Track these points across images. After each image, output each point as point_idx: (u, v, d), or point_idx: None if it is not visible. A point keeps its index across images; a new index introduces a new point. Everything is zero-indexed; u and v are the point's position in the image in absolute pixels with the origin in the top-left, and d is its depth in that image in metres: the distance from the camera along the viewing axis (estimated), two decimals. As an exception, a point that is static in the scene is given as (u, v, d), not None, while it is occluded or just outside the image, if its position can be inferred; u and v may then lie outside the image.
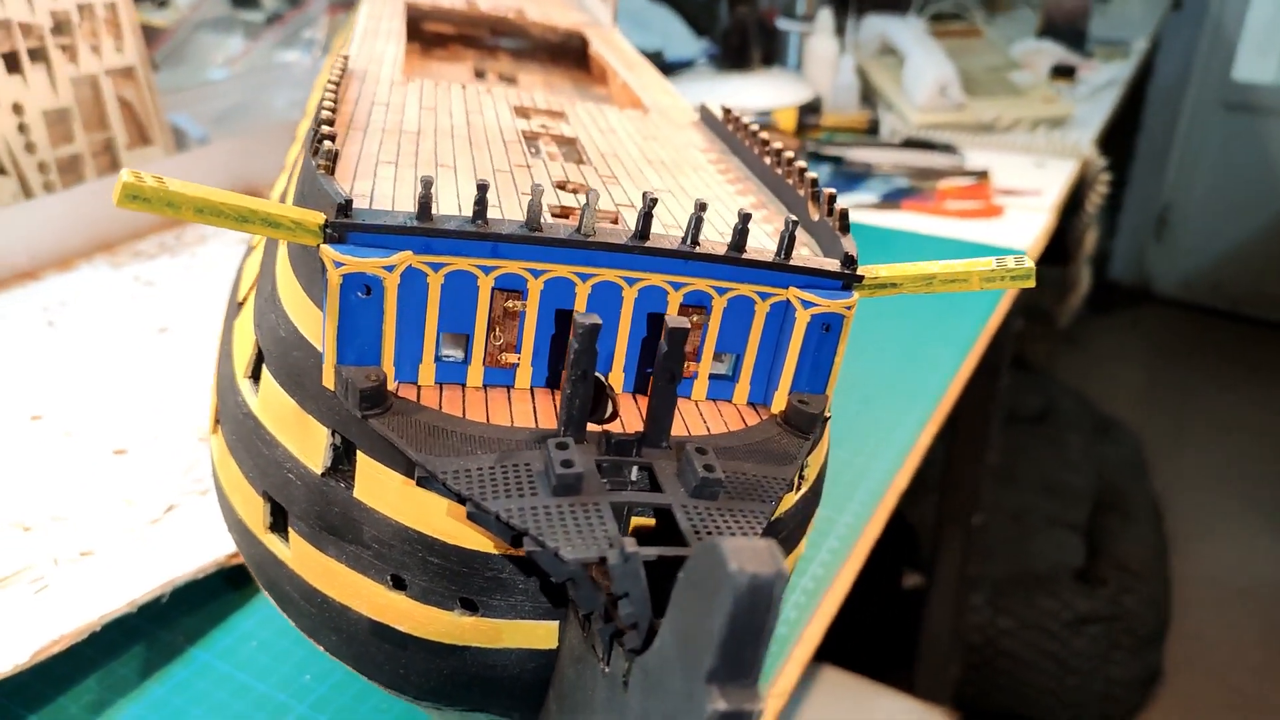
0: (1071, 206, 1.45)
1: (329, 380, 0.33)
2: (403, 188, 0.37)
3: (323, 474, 0.34)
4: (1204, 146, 3.20)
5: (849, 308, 0.36)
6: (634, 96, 0.66)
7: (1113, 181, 1.48)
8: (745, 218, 0.35)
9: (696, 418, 0.35)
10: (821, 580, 0.63)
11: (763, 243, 0.39)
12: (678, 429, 0.34)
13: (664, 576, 0.24)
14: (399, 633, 0.34)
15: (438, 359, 0.34)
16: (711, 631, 0.20)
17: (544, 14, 0.87)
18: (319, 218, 0.31)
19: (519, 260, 0.33)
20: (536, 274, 0.33)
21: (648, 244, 0.34)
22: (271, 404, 0.36)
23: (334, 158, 0.34)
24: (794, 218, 0.35)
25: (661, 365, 0.31)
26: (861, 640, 1.74)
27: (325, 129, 0.36)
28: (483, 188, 0.32)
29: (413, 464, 0.31)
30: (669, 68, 1.64)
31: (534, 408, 0.34)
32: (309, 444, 0.34)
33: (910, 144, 1.41)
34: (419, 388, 0.34)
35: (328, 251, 0.31)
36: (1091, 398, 2.50)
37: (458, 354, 0.35)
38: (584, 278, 0.34)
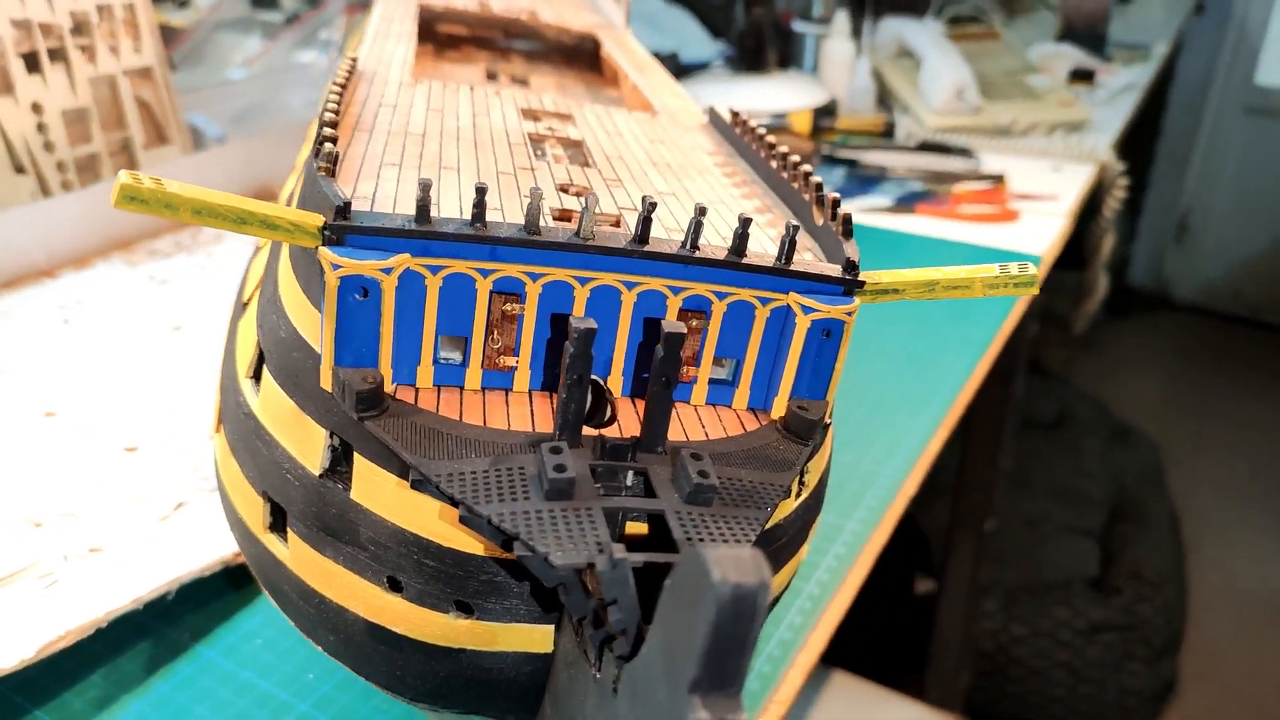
0: (1089, 211, 1.44)
1: (326, 382, 0.33)
2: (405, 189, 0.37)
3: (320, 475, 0.34)
4: (1226, 151, 3.17)
5: (850, 313, 0.36)
6: (644, 99, 0.66)
7: (1132, 186, 1.47)
8: (745, 222, 0.34)
9: (695, 423, 0.35)
10: (827, 586, 0.63)
11: (765, 247, 0.38)
12: (676, 434, 0.34)
13: (654, 583, 0.24)
14: (395, 634, 0.34)
15: (436, 361, 0.34)
16: (695, 641, 0.20)
17: (557, 16, 0.87)
18: (317, 220, 0.31)
19: (517, 263, 0.33)
20: (535, 277, 0.33)
21: (647, 248, 0.34)
22: (271, 404, 0.36)
23: (335, 160, 0.34)
24: (795, 222, 0.35)
25: (658, 370, 0.30)
26: (872, 645, 1.73)
27: (327, 131, 0.36)
28: (480, 190, 0.32)
29: (408, 466, 0.31)
30: (684, 70, 1.64)
31: (531, 411, 0.34)
32: (307, 445, 0.34)
33: (926, 147, 1.40)
34: (417, 390, 0.34)
35: (325, 254, 0.31)
36: (1109, 404, 2.48)
37: (456, 357, 0.35)
38: (583, 281, 0.34)
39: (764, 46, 1.54)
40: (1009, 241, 1.15)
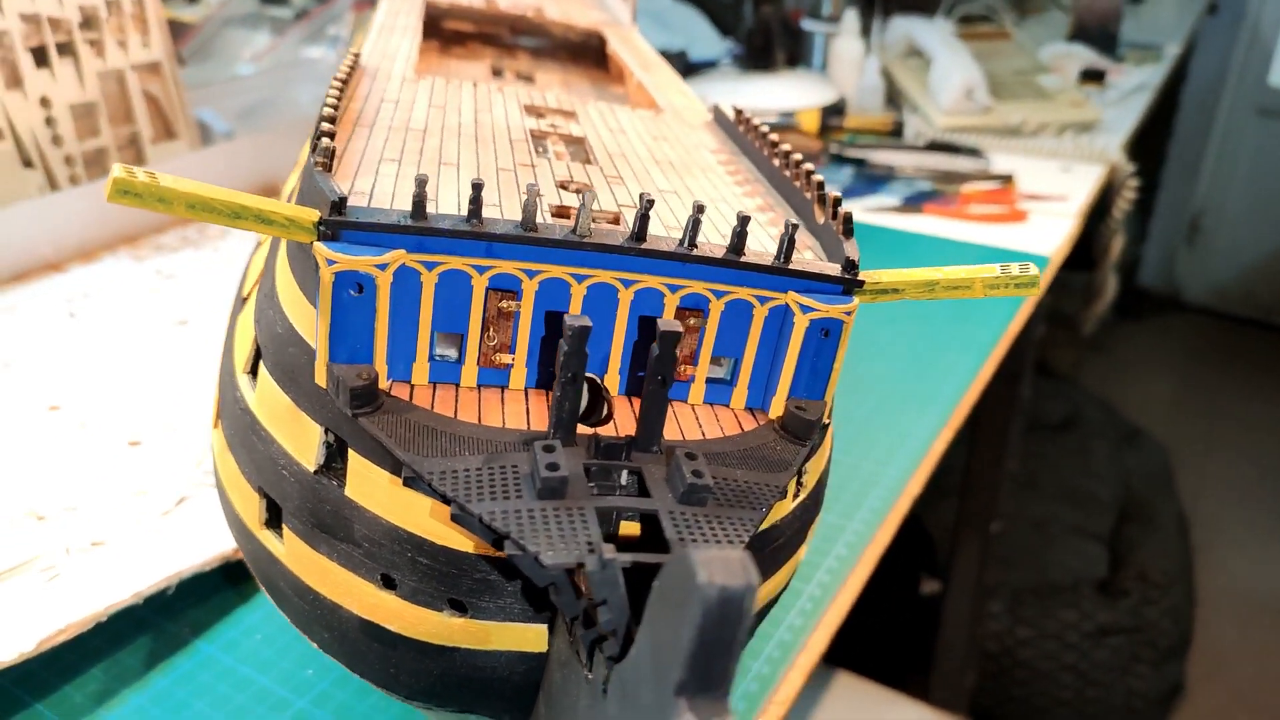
0: (1098, 212, 1.43)
1: (321, 378, 0.33)
2: (403, 185, 0.37)
3: (315, 471, 0.34)
4: (1238, 152, 3.15)
5: (849, 313, 0.35)
6: (649, 96, 0.66)
7: (1143, 187, 1.46)
8: (744, 220, 0.34)
9: (692, 422, 0.35)
10: (828, 588, 0.63)
11: (766, 246, 0.38)
12: (673, 433, 0.34)
13: (646, 583, 0.24)
14: (389, 632, 0.34)
15: (431, 358, 0.34)
16: (681, 643, 0.19)
17: (564, 13, 0.87)
18: (313, 215, 0.31)
19: (513, 260, 0.33)
20: (531, 274, 0.33)
21: (644, 245, 0.33)
22: (267, 400, 0.36)
23: (332, 155, 0.34)
24: (794, 221, 0.35)
25: (653, 368, 0.30)
26: (877, 646, 1.72)
27: (325, 126, 0.36)
28: (477, 187, 0.32)
29: (401, 463, 0.31)
30: (693, 68, 1.64)
31: (527, 409, 0.34)
32: (303, 441, 0.34)
33: (934, 147, 1.39)
34: (412, 387, 0.34)
35: (320, 249, 0.31)
36: (1118, 406, 2.47)
37: (452, 354, 0.34)
38: (579, 279, 0.33)
39: (772, 45, 1.54)
40: (1017, 242, 1.15)
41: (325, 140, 0.34)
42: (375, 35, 0.64)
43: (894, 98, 1.60)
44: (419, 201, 0.32)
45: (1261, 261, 3.22)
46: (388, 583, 0.33)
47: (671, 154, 0.51)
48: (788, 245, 0.35)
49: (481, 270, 0.33)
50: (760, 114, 1.41)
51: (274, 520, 0.36)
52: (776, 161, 0.48)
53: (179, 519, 0.60)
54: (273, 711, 0.51)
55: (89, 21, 1.00)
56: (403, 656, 0.34)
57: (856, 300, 0.36)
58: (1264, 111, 3.07)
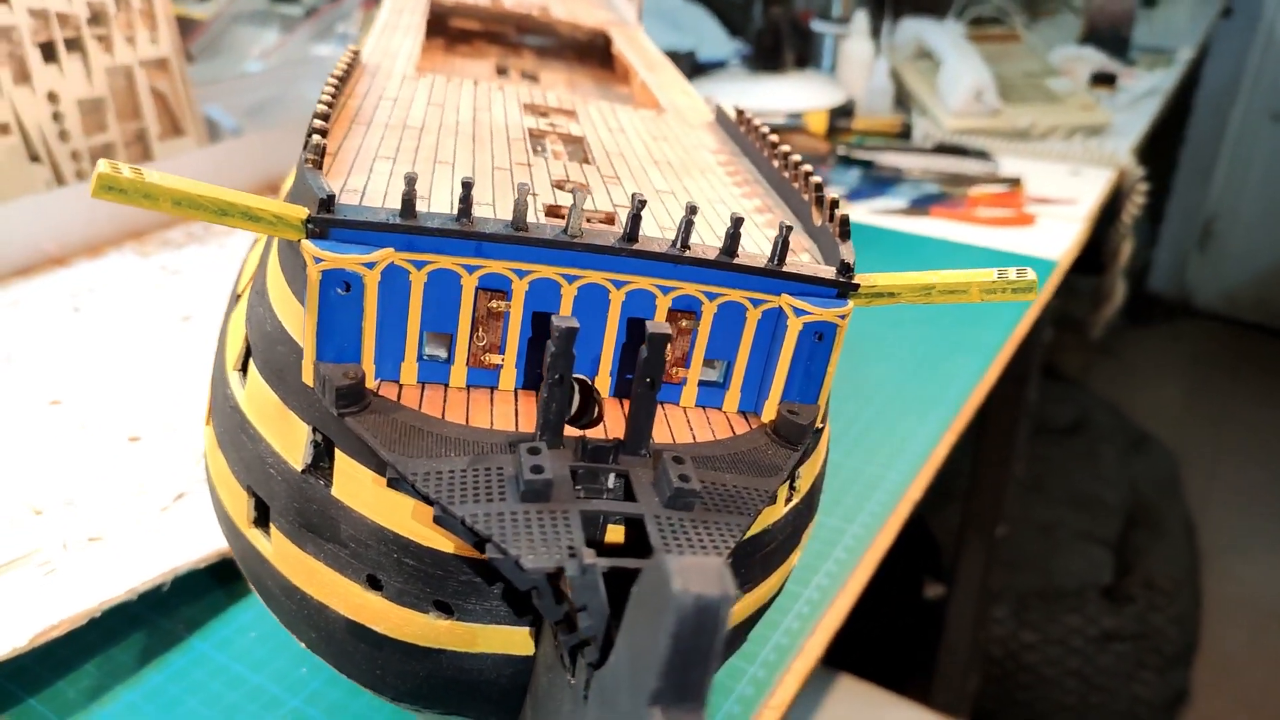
0: (1108, 216, 1.42)
1: (309, 376, 0.33)
2: (397, 183, 0.37)
3: (303, 471, 0.33)
4: (1251, 157, 3.13)
5: (843, 316, 0.35)
6: (652, 96, 0.66)
7: (1154, 192, 1.45)
8: (737, 221, 0.34)
9: (683, 425, 0.35)
10: (827, 591, 0.62)
11: (761, 247, 0.38)
12: (663, 436, 0.34)
13: (628, 589, 0.24)
14: (375, 633, 0.33)
15: (420, 358, 0.34)
16: (656, 652, 0.19)
17: (569, 12, 0.87)
18: (301, 212, 0.31)
19: (503, 260, 0.32)
20: (521, 274, 0.33)
21: (635, 246, 0.33)
22: (256, 398, 0.36)
23: (322, 152, 0.34)
24: (788, 223, 0.34)
25: (642, 371, 0.30)
26: (880, 649, 1.72)
27: (317, 124, 0.36)
28: (467, 185, 0.31)
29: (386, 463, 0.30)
30: (701, 68, 1.63)
31: (516, 410, 0.33)
32: (290, 440, 0.34)
33: (943, 149, 1.39)
34: (400, 386, 0.34)
35: (308, 247, 0.30)
36: (1127, 411, 2.46)
37: (441, 353, 0.34)
38: (570, 279, 0.33)
39: (781, 46, 1.53)
40: (1025, 245, 1.14)
41: (316, 138, 0.34)
42: (378, 33, 0.64)
43: (903, 100, 1.59)
44: (408, 200, 0.31)
45: (1274, 267, 3.20)
46: (373, 583, 0.33)
47: (671, 154, 0.51)
48: (782, 247, 0.35)
49: (471, 270, 0.32)
50: (768, 115, 1.41)
51: (262, 519, 0.36)
52: (776, 163, 0.48)
53: (177, 515, 0.60)
54: (265, 710, 0.50)
55: (97, 17, 1.01)
56: (389, 658, 0.34)
57: (851, 304, 0.35)
58: (1278, 117, 3.05)
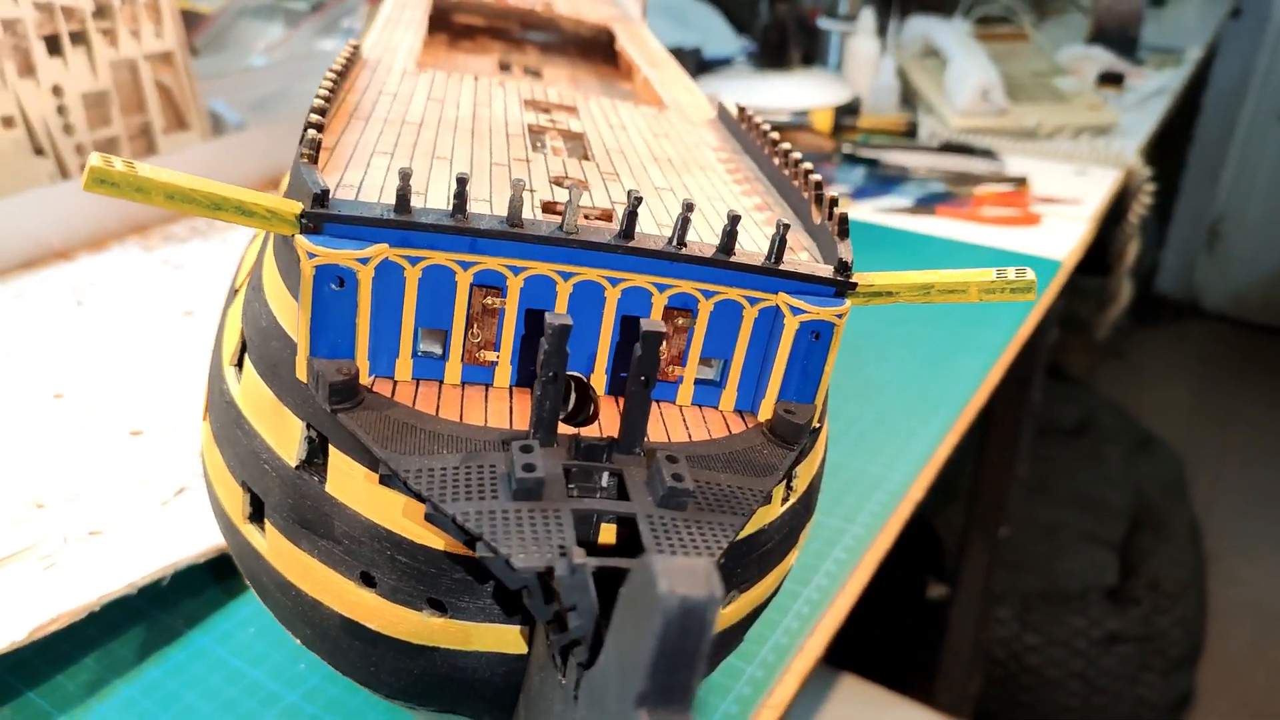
0: (1114, 217, 1.42)
1: (302, 372, 0.33)
2: (394, 179, 0.37)
3: (297, 467, 0.33)
4: (1259, 158, 3.12)
5: (840, 315, 0.35)
6: (654, 93, 0.66)
7: (1162, 192, 1.45)
8: (734, 219, 0.34)
9: (679, 424, 0.35)
10: (826, 591, 0.62)
11: (760, 246, 0.37)
12: (659, 435, 0.34)
13: (617, 589, 0.23)
14: (369, 630, 0.33)
15: (415, 354, 0.34)
16: (643, 653, 0.19)
17: (574, 8, 0.87)
18: (295, 207, 0.31)
19: (498, 256, 0.32)
20: (516, 271, 0.33)
21: (631, 243, 0.33)
22: (251, 394, 0.36)
23: (317, 147, 0.34)
24: (786, 221, 0.34)
25: (636, 369, 0.30)
26: (883, 649, 1.72)
27: (313, 118, 0.36)
28: (461, 181, 0.31)
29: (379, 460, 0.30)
30: (708, 65, 1.63)
31: (510, 408, 0.33)
32: (284, 436, 0.34)
33: (948, 148, 1.38)
34: (395, 383, 0.33)
35: (301, 242, 0.30)
36: (1133, 412, 2.45)
37: (436, 350, 0.34)
38: (565, 276, 0.33)
39: (788, 43, 1.53)
40: (1030, 245, 1.14)
41: (311, 132, 0.34)
42: (379, 28, 0.64)
43: (909, 98, 1.58)
44: (403, 195, 0.31)
45: (1282, 269, 3.19)
46: (367, 580, 0.33)
47: (671, 151, 0.51)
48: (779, 245, 0.34)
49: (466, 266, 0.32)
50: (773, 112, 1.41)
51: (257, 515, 0.36)
52: (776, 160, 0.47)
53: (177, 510, 0.60)
54: (263, 705, 0.50)
55: (102, 11, 1.01)
56: (383, 655, 0.34)
57: (849, 303, 0.35)
58: (1287, 117, 3.03)
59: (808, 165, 0.43)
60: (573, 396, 0.35)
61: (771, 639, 0.58)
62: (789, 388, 0.36)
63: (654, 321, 0.30)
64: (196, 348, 0.78)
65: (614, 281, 0.33)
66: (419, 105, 0.48)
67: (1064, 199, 1.26)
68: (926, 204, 1.23)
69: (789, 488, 0.37)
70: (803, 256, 0.38)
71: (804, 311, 0.34)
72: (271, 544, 0.35)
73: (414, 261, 0.32)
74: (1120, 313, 1.66)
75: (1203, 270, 3.34)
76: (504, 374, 0.34)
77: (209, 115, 1.15)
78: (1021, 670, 1.76)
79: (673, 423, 0.35)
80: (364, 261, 0.31)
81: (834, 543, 0.66)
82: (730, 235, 0.34)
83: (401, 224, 0.31)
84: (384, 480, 0.31)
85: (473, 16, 0.86)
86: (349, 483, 0.32)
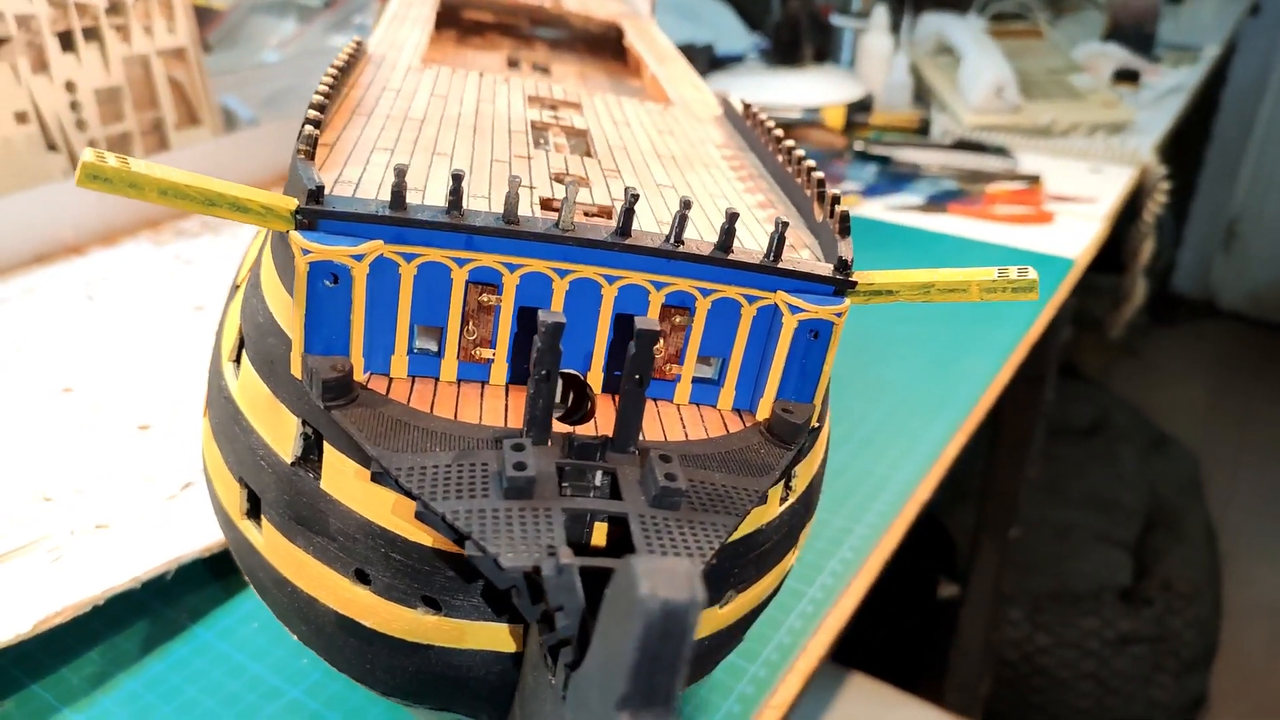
0: (1129, 215, 1.41)
1: (297, 369, 0.33)
2: (393, 175, 0.37)
3: (292, 463, 0.33)
4: (1278, 157, 3.09)
5: (839, 314, 0.34)
6: (661, 89, 0.65)
7: (1179, 191, 1.44)
8: (732, 217, 0.33)
9: (676, 422, 0.34)
10: (831, 590, 0.62)
11: (761, 243, 0.37)
12: (655, 433, 0.33)
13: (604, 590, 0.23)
14: (364, 628, 0.33)
15: (411, 351, 0.34)
16: (624, 656, 0.19)
17: (583, 4, 0.86)
18: (290, 203, 0.31)
19: (494, 253, 0.32)
20: (512, 268, 0.32)
21: (628, 241, 0.33)
22: (248, 390, 0.36)
23: (314, 143, 0.34)
24: (785, 219, 0.34)
25: (630, 368, 0.30)
26: (893, 649, 1.71)
27: (311, 114, 0.36)
28: (457, 177, 0.31)
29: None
30: (719, 62, 1.62)
31: (506, 405, 0.33)
32: (280, 432, 0.34)
33: (961, 146, 1.38)
34: (390, 380, 0.33)
35: (295, 238, 0.30)
36: (1148, 412, 2.43)
37: (432, 347, 0.34)
38: (561, 274, 0.33)
39: (800, 40, 1.52)
40: (1043, 243, 1.13)
41: (308, 128, 0.34)
42: (386, 24, 0.64)
43: (922, 95, 1.58)
44: (398, 191, 0.31)
45: (1300, 268, 3.16)
46: (362, 578, 0.33)
47: (675, 148, 0.50)
48: (777, 243, 0.34)
49: (461, 263, 0.32)
50: (786, 109, 1.40)
51: (254, 511, 0.36)
52: (780, 157, 0.47)
53: (184, 504, 0.60)
54: (265, 699, 0.51)
55: (115, 7, 1.01)
56: (378, 652, 0.34)
57: (848, 301, 0.35)
58: (1307, 115, 3.00)
59: (811, 162, 0.43)
60: (571, 395, 0.35)
61: (775, 638, 0.58)
62: (787, 387, 0.35)
63: (648, 320, 0.30)
64: (206, 343, 0.78)
65: (611, 279, 0.33)
66: (422, 101, 0.48)
67: (1078, 197, 1.25)
68: (938, 202, 1.22)
69: (788, 487, 0.37)
70: (804, 255, 0.38)
71: (802, 310, 0.34)
72: (268, 540, 0.35)
73: (409, 258, 0.32)
74: (1135, 311, 1.64)
75: (1219, 269, 3.31)
76: (500, 371, 0.34)
77: (221, 111, 1.15)
78: (1033, 671, 1.75)
79: (670, 421, 0.34)
80: (358, 258, 0.31)
81: (840, 542, 0.66)
82: (728, 233, 0.34)
83: (396, 220, 0.31)
84: (375, 477, 0.31)
85: (482, 13, 0.86)
86: (343, 479, 0.32)
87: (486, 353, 0.34)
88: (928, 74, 1.56)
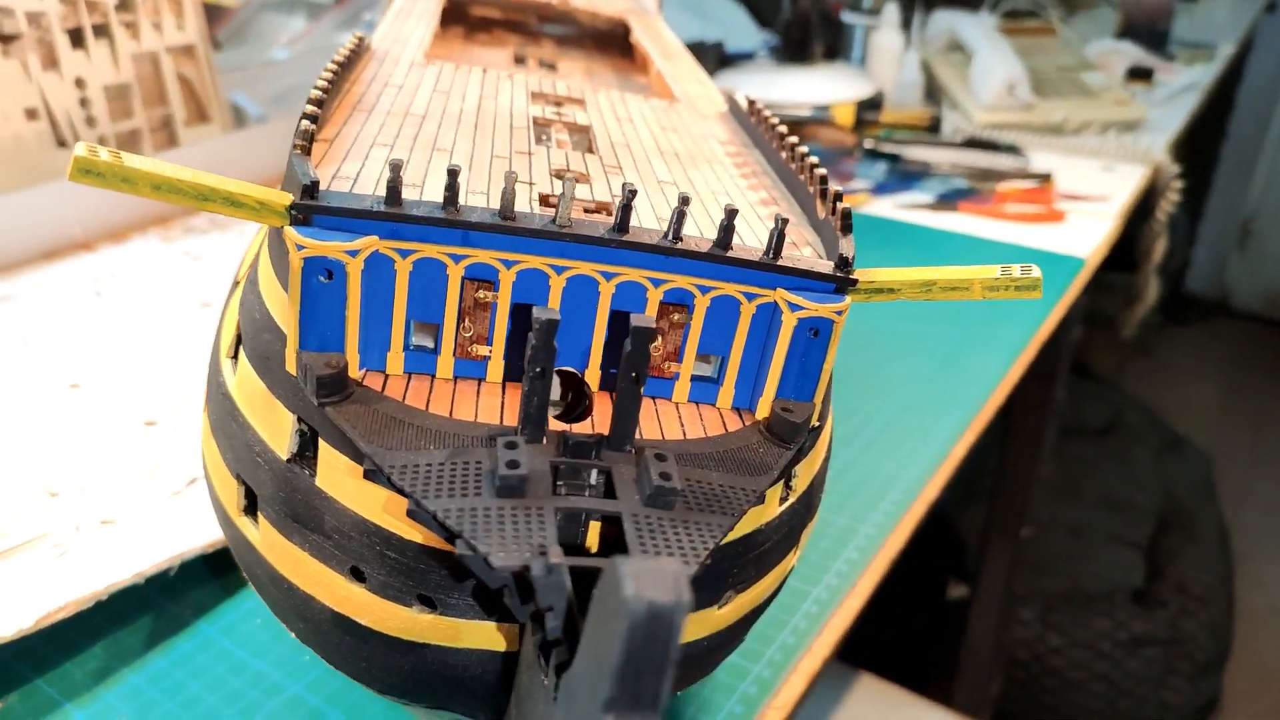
0: (1141, 214, 1.39)
1: (292, 365, 0.32)
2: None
3: (288, 460, 0.33)
4: (1295, 156, 3.06)
5: (839, 312, 0.34)
6: (667, 86, 0.65)
7: (1194, 190, 1.42)
8: (731, 213, 0.33)
9: (674, 421, 0.34)
10: (836, 590, 0.61)
11: (763, 240, 0.37)
12: (653, 432, 0.33)
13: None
14: (360, 626, 0.33)
15: (407, 348, 0.33)
16: (610, 658, 0.18)
17: (590, 1, 0.86)
18: (285, 199, 0.30)
19: (490, 250, 0.32)
20: (508, 264, 0.32)
21: (625, 237, 0.32)
22: (245, 386, 0.35)
23: (311, 138, 0.34)
24: (785, 216, 0.33)
25: (625, 365, 0.29)
26: (902, 649, 1.70)
27: (309, 109, 0.35)
28: (453, 173, 0.31)
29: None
30: (729, 59, 1.62)
31: (502, 403, 0.33)
32: (276, 429, 0.34)
33: (972, 144, 1.37)
34: (386, 377, 0.33)
35: (290, 234, 0.30)
36: (1162, 412, 2.41)
37: (429, 344, 0.34)
38: (558, 270, 0.32)
39: (810, 37, 1.52)
40: (1054, 242, 1.12)
41: (305, 123, 0.34)
42: (390, 20, 0.63)
43: (933, 93, 1.57)
44: (394, 187, 0.31)
45: (1316, 268, 3.13)
46: (357, 575, 0.32)
47: (678, 145, 0.50)
48: (777, 240, 0.34)
49: (457, 259, 0.32)
50: (796, 107, 1.40)
51: (251, 508, 0.36)
52: (784, 154, 0.47)
53: (188, 500, 0.60)
54: (267, 695, 0.51)
55: (125, 4, 1.01)
56: (374, 651, 0.34)
57: (849, 300, 0.34)
58: (1324, 113, 2.98)
59: (814, 159, 0.43)
60: (569, 393, 0.35)
61: (779, 638, 0.57)
62: (787, 385, 0.35)
63: (645, 317, 0.29)
64: (212, 339, 0.78)
65: (608, 276, 0.33)
66: (423, 97, 0.47)
67: (1090, 195, 1.24)
68: (949, 200, 1.21)
69: (788, 487, 0.37)
70: (805, 252, 0.37)
71: (802, 308, 0.34)
72: (265, 537, 0.35)
73: (404, 254, 0.31)
74: (1148, 311, 1.63)
75: (1234, 268, 3.29)
76: (496, 369, 0.34)
77: (230, 108, 1.16)
78: (1044, 672, 1.74)
79: (668, 420, 0.34)
80: (353, 254, 0.30)
81: (846, 542, 0.65)
82: (727, 230, 0.33)
83: (391, 216, 0.31)
84: (368, 475, 0.30)
85: (489, 9, 0.85)
86: (338, 476, 0.32)
87: (483, 350, 0.33)
88: (939, 71, 1.55)
